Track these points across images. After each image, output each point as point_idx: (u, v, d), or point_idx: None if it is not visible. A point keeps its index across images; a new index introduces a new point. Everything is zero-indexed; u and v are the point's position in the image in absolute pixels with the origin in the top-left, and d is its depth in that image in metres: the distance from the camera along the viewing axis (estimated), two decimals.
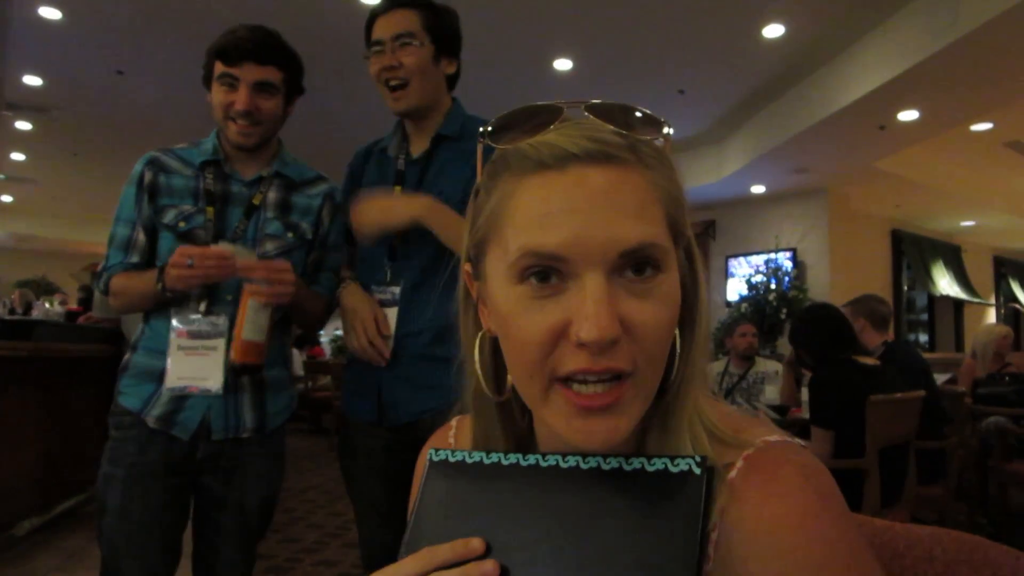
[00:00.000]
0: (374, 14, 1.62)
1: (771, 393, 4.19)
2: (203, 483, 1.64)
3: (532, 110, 0.57)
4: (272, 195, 1.70)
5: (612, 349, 0.52)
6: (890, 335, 3.50)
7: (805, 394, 3.18)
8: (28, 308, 5.17)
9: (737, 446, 0.58)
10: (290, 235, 1.69)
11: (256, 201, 1.68)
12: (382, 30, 1.59)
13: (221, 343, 1.59)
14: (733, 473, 0.56)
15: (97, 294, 4.21)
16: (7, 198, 11.24)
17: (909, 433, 2.73)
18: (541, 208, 0.54)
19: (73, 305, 6.52)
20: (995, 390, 4.29)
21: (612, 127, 0.56)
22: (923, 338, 11.18)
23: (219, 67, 1.59)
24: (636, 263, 0.54)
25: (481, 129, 0.58)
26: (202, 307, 1.60)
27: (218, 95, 1.60)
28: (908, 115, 5.76)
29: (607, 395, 0.53)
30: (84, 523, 4.02)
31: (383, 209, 1.56)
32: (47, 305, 5.10)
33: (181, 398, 1.58)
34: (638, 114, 0.57)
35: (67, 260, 12.21)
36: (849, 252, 8.62)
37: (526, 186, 0.55)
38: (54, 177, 9.85)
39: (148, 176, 1.64)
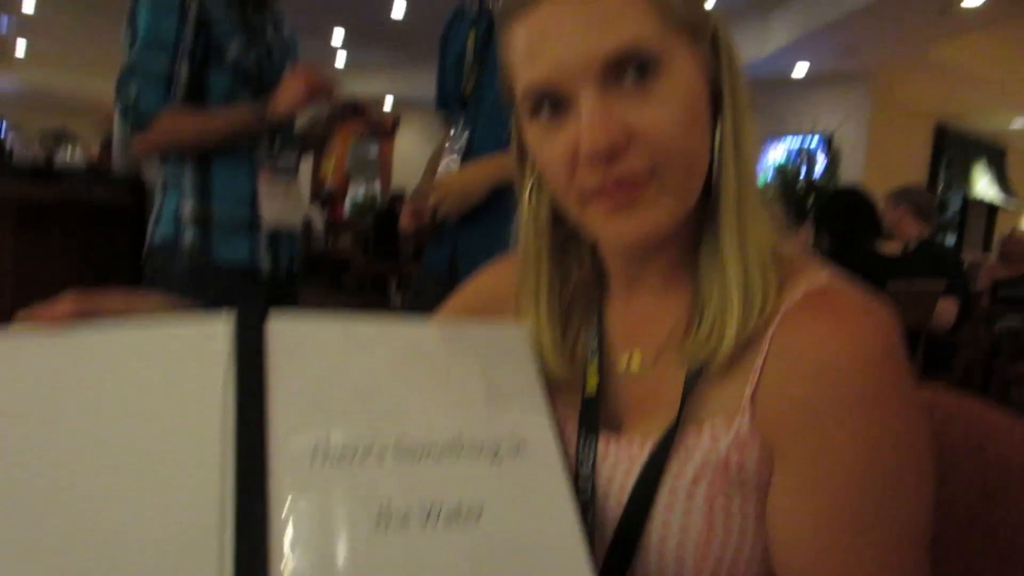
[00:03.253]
0: None
1: None
2: None
3: None
4: (271, 33, 1.66)
5: (621, 157, 0.53)
6: (929, 228, 3.40)
7: None
8: (51, 157, 5.18)
9: (800, 277, 0.58)
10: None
11: (267, 36, 1.64)
12: None
13: (295, 180, 1.62)
14: (791, 302, 0.56)
15: (117, 144, 4.20)
16: (21, 47, 11.02)
17: (921, 323, 2.73)
18: (525, 46, 0.56)
19: (95, 153, 6.52)
20: (1016, 292, 4.23)
21: None
22: (950, 240, 10.97)
23: None
24: (627, 69, 0.53)
25: None
26: (278, 145, 1.58)
27: None
28: (973, 0, 5.37)
29: (627, 194, 0.55)
30: None
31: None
32: (69, 148, 5.12)
33: (274, 238, 1.60)
34: None
35: (85, 112, 12.08)
36: (887, 144, 8.31)
37: (514, 31, 0.57)
38: (68, 25, 9.58)
39: (194, 5, 1.49)
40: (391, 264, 7.30)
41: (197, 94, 1.53)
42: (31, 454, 0.46)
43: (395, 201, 9.01)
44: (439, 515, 0.48)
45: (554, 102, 0.55)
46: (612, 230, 0.57)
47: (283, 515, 0.45)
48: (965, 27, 6.10)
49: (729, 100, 0.58)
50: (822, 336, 0.53)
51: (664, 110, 0.53)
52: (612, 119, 0.52)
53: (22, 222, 3.34)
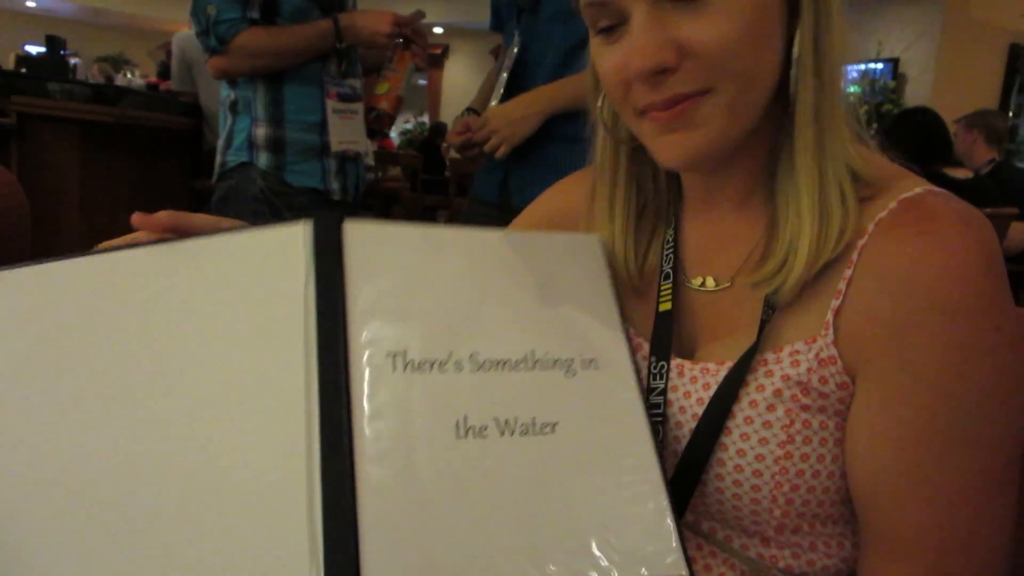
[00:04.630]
0: None
1: None
2: None
3: None
4: None
5: (674, 75, 0.52)
6: (999, 153, 3.27)
7: None
8: (110, 80, 5.25)
9: (891, 190, 0.55)
10: None
11: None
12: None
13: (360, 106, 1.66)
14: (883, 213, 0.54)
15: (175, 67, 4.23)
16: None
17: None
18: None
19: (152, 78, 6.60)
20: None
21: None
22: (1022, 167, 10.46)
23: None
24: None
25: None
26: (344, 68, 1.62)
27: None
28: None
29: (678, 112, 0.54)
30: None
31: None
32: (128, 76, 5.18)
33: (342, 162, 1.66)
34: None
35: (142, 38, 12.14)
36: (957, 66, 7.87)
37: None
38: None
39: None
40: (440, 198, 7.32)
41: (270, 13, 1.56)
42: (133, 359, 0.49)
43: (435, 131, 8.95)
44: (515, 427, 0.50)
45: (611, 16, 0.54)
46: (663, 149, 0.57)
47: (365, 421, 0.46)
48: None
49: (810, 3, 0.54)
50: (915, 249, 0.51)
51: (720, 25, 0.51)
52: (663, 36, 0.51)
53: (87, 142, 3.43)
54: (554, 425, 0.51)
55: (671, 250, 0.66)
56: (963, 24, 7.86)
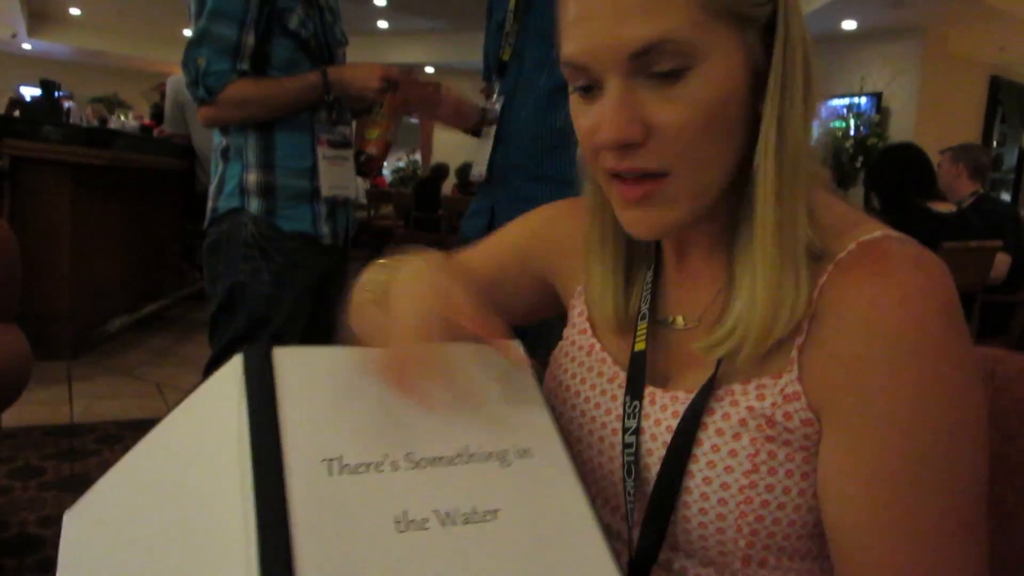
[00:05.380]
0: None
1: None
2: (330, 288, 1.73)
3: None
4: None
5: (636, 150, 0.53)
6: (982, 186, 3.33)
7: None
8: (103, 123, 5.30)
9: (851, 232, 0.56)
10: (345, 40, 1.76)
11: (320, 3, 1.66)
12: None
13: (350, 152, 1.69)
14: (843, 254, 0.55)
15: (168, 110, 4.27)
16: (75, 11, 11.19)
17: (978, 283, 2.67)
18: (565, 18, 0.55)
19: (146, 120, 6.65)
20: None
21: None
22: (1006, 196, 10.60)
23: None
24: (656, 62, 0.51)
25: None
26: (334, 116, 1.65)
27: None
28: None
29: (639, 189, 0.55)
30: (170, 325, 4.36)
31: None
32: (121, 118, 5.22)
33: (332, 207, 1.67)
34: None
35: (136, 79, 12.27)
36: (940, 99, 8.02)
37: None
38: None
39: None
40: (432, 235, 7.37)
41: (261, 63, 1.58)
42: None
43: (437, 171, 9.04)
44: (456, 517, 0.50)
45: (587, 79, 0.55)
46: (629, 222, 0.58)
47: (303, 527, 0.46)
48: None
49: (776, 88, 0.54)
50: (872, 292, 0.52)
51: (686, 112, 0.52)
52: (631, 113, 0.52)
53: (78, 185, 3.44)
54: (495, 512, 0.51)
55: (648, 291, 0.68)
56: (943, 58, 8.03)
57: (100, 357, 3.60)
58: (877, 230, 0.57)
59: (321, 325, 1.69)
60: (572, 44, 0.55)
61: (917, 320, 0.51)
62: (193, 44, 1.53)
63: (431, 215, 7.75)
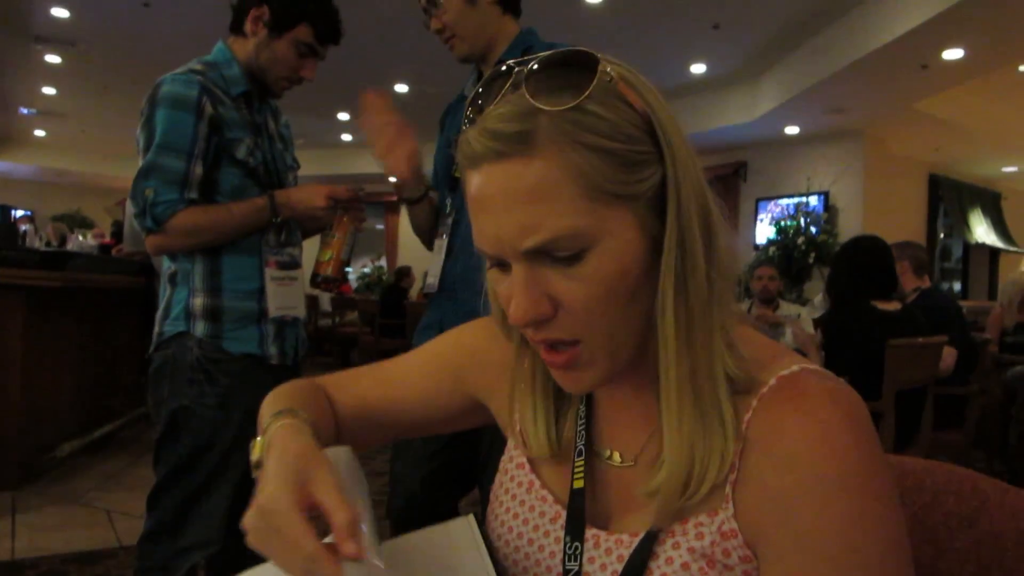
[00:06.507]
0: None
1: (791, 337, 4.18)
2: None
3: (488, 81, 0.58)
4: (271, 125, 1.75)
5: (547, 324, 0.56)
6: (927, 282, 3.45)
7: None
8: (63, 241, 5.30)
9: (771, 366, 0.58)
10: (296, 165, 1.81)
11: (270, 132, 1.72)
12: None
13: (300, 273, 1.70)
14: (764, 389, 0.57)
15: (128, 228, 4.28)
16: (40, 133, 11.36)
17: (928, 377, 2.72)
18: (471, 206, 0.57)
19: (107, 239, 6.66)
20: (1022, 339, 4.22)
21: (526, 103, 0.53)
22: (956, 287, 10.97)
23: (306, 34, 1.64)
24: (552, 254, 0.54)
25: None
26: (283, 238, 1.67)
27: (288, 54, 1.65)
28: (953, 54, 5.54)
29: (559, 356, 0.58)
30: (123, 447, 4.20)
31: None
32: (80, 238, 5.22)
33: (280, 327, 1.67)
34: (565, 66, 0.55)
35: (100, 195, 12.38)
36: (884, 197, 8.42)
37: (467, 180, 0.57)
38: (85, 111, 9.94)
39: (209, 107, 1.56)
40: (399, 341, 7.34)
41: (209, 191, 1.60)
42: None
43: (401, 276, 9.11)
44: None
45: (496, 258, 0.57)
46: (561, 381, 0.61)
47: None
48: (948, 80, 6.26)
49: (672, 251, 0.55)
50: (791, 426, 0.54)
51: (588, 288, 0.54)
52: (538, 292, 0.55)
53: (31, 308, 3.39)
54: None
55: (583, 426, 0.68)
56: (883, 159, 8.49)
57: (48, 485, 3.44)
58: (794, 364, 0.58)
59: None
60: (478, 234, 0.57)
61: (838, 454, 0.52)
62: (141, 176, 1.54)
63: (397, 321, 7.73)
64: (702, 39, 6.56)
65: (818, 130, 8.09)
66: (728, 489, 0.56)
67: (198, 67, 1.60)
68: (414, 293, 8.74)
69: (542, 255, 0.54)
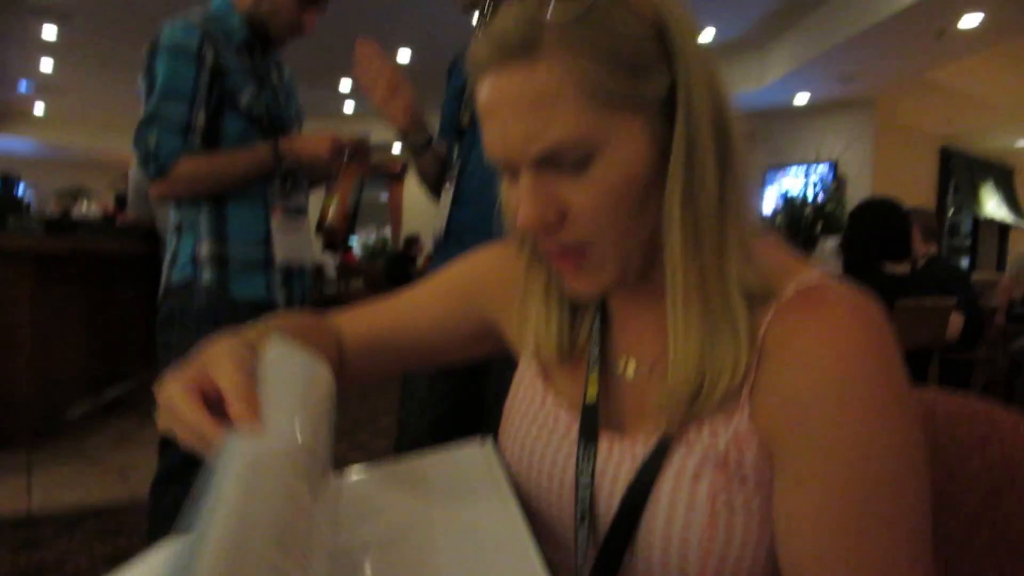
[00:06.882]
0: None
1: None
2: None
3: None
4: (275, 78, 1.74)
5: (556, 230, 0.57)
6: (935, 247, 3.42)
7: None
8: (67, 213, 5.29)
9: (791, 277, 0.58)
10: (302, 117, 1.80)
11: (274, 84, 1.70)
12: None
13: (305, 220, 1.71)
14: (783, 300, 0.57)
15: (132, 193, 4.27)
16: (40, 108, 11.32)
17: (935, 341, 2.71)
18: (480, 115, 0.58)
19: (110, 209, 6.65)
20: None
21: (531, 10, 0.53)
22: (964, 262, 10.91)
23: None
24: (560, 160, 0.54)
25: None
26: (288, 185, 1.67)
27: (289, 4, 1.64)
28: (971, 19, 5.40)
29: (568, 261, 0.59)
30: (134, 408, 4.24)
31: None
32: (83, 208, 5.22)
33: (287, 275, 1.68)
34: None
35: (102, 169, 12.33)
36: (893, 168, 8.33)
37: (476, 87, 0.58)
38: (85, 86, 9.86)
39: (210, 54, 1.55)
40: None
41: (212, 139, 1.59)
42: None
43: (409, 244, 9.11)
44: None
45: (506, 166, 0.58)
46: (572, 287, 0.62)
47: None
48: (963, 49, 6.15)
49: (679, 160, 0.55)
50: (809, 330, 0.54)
51: (595, 195, 0.55)
52: (545, 199, 0.55)
53: (40, 273, 3.40)
54: None
55: (598, 340, 0.68)
56: (894, 129, 8.38)
57: (61, 443, 3.48)
58: (813, 275, 0.58)
59: None
60: (486, 139, 0.58)
61: (859, 358, 0.52)
62: (144, 123, 1.54)
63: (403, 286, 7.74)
64: (710, 2, 6.45)
65: (828, 99, 7.98)
66: (745, 393, 0.56)
67: (198, 17, 1.59)
68: (421, 262, 8.75)
69: (549, 162, 0.55)
